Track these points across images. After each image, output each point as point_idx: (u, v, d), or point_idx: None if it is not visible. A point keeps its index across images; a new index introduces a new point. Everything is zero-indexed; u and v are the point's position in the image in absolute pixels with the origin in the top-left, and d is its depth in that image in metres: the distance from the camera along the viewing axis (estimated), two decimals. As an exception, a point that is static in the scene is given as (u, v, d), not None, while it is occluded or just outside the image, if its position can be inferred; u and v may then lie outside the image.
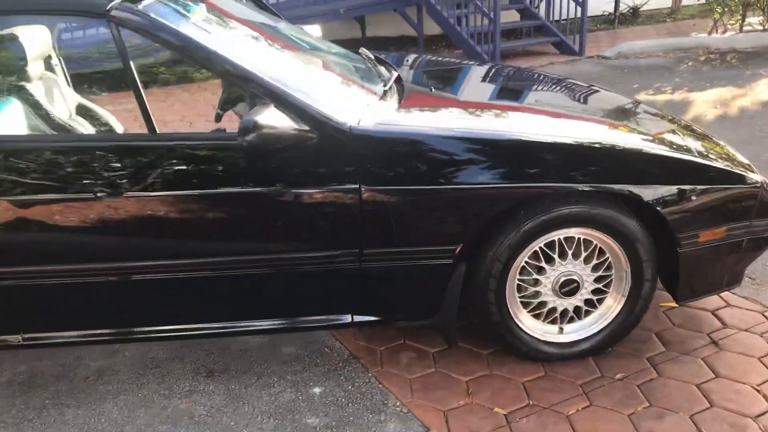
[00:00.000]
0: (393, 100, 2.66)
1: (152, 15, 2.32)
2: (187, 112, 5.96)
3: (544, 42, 8.65)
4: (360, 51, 3.34)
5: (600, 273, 2.56)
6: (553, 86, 3.42)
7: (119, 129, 3.36)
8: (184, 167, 2.22)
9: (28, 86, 2.77)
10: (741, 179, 2.56)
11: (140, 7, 2.33)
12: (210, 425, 2.37)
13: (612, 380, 2.53)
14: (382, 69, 3.07)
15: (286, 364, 2.68)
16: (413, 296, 2.51)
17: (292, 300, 2.47)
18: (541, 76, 3.59)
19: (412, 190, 2.32)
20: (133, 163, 2.21)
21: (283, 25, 3.31)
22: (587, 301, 2.61)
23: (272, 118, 2.18)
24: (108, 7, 2.28)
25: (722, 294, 3.01)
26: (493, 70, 3.62)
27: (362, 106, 2.49)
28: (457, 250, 2.41)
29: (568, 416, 2.36)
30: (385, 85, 2.76)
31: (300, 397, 2.49)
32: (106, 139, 2.67)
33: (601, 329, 2.63)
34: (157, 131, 2.29)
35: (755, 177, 2.61)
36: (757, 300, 3.02)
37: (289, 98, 2.28)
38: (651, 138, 2.70)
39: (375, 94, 2.65)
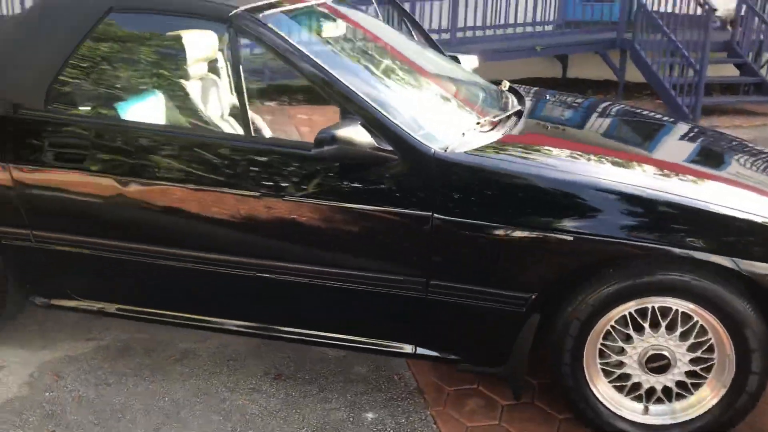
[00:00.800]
0: (499, 132, 2.54)
1: (270, 24, 2.43)
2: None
3: (761, 101, 7.84)
4: (501, 84, 3.24)
5: (698, 354, 2.25)
6: (685, 137, 3.09)
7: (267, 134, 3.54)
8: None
9: (185, 84, 3.00)
10: None
11: (260, 16, 2.45)
12: (257, 426, 2.40)
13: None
14: (511, 102, 2.96)
15: (352, 383, 2.64)
16: (480, 339, 2.37)
17: (356, 318, 2.45)
18: (678, 128, 3.24)
19: (488, 226, 2.20)
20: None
21: (424, 50, 3.31)
22: (680, 384, 2.30)
23: (352, 134, 2.18)
24: (231, 14, 2.42)
25: None
26: (645, 120, 3.33)
27: (457, 133, 2.40)
28: (532, 298, 2.24)
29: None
30: (495, 117, 2.65)
31: (351, 419, 2.45)
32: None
33: (693, 419, 2.30)
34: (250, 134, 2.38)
35: None
36: None
37: (376, 116, 2.27)
38: None
39: (480, 124, 2.54)
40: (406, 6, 7.77)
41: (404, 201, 2.24)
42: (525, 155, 2.37)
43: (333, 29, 2.95)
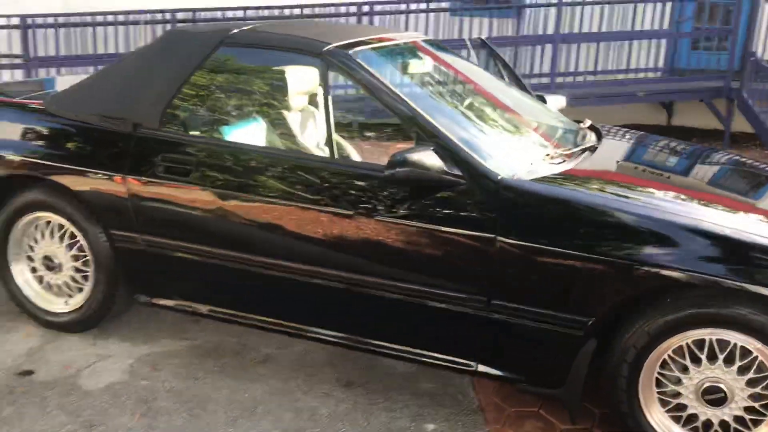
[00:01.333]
0: (569, 164, 2.67)
1: (358, 60, 2.68)
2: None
3: None
4: (582, 122, 3.36)
5: (758, 390, 2.26)
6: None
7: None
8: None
9: (285, 114, 3.29)
10: None
11: (350, 51, 2.71)
12: (324, 426, 2.59)
13: None
14: (588, 138, 3.08)
15: (417, 397, 2.79)
16: (538, 360, 2.48)
17: (424, 332, 2.61)
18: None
19: (549, 250, 2.32)
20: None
21: (507, 87, 3.48)
22: (738, 419, 2.31)
23: (423, 157, 2.37)
24: (323, 49, 2.69)
25: None
26: (713, 156, 3.36)
27: (526, 162, 2.55)
28: (589, 323, 2.33)
29: None
30: (567, 150, 2.78)
31: (411, 428, 2.60)
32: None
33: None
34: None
35: None
36: None
37: (447, 143, 2.45)
38: None
39: (550, 155, 2.68)
40: (510, 51, 7.99)
41: (470, 223, 2.40)
42: (584, 185, 2.48)
43: (419, 65, 3.18)
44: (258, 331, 3.08)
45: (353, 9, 7.85)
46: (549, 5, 7.97)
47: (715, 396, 2.29)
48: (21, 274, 3.18)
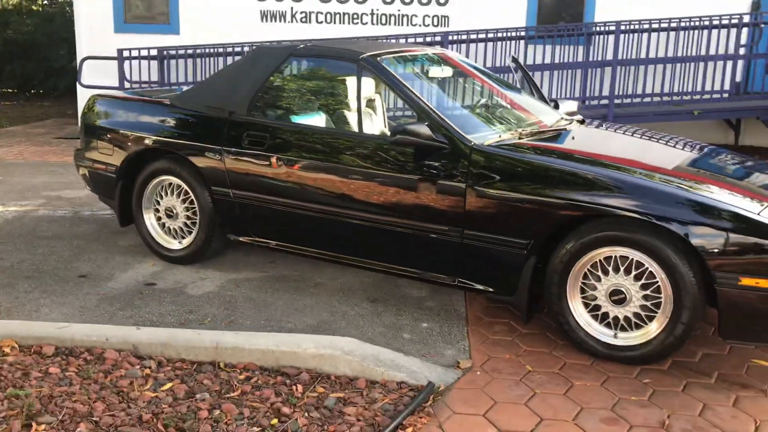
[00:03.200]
0: (533, 139, 3.64)
1: (383, 64, 3.78)
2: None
3: None
4: (575, 116, 4.31)
5: (648, 292, 3.12)
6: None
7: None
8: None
9: (345, 112, 4.41)
10: (797, 241, 2.87)
11: (379, 58, 3.82)
12: (350, 320, 3.63)
13: (633, 378, 3.06)
14: (567, 125, 4.03)
15: (421, 309, 3.79)
16: (497, 274, 3.43)
17: (419, 256, 3.62)
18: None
19: (503, 195, 3.30)
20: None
21: (518, 92, 4.49)
22: (637, 315, 3.17)
23: (416, 128, 3.42)
24: (360, 56, 3.82)
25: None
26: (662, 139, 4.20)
27: (495, 133, 3.56)
28: (530, 245, 3.28)
29: (573, 384, 3.01)
30: (537, 130, 3.75)
31: (410, 324, 3.60)
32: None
33: (647, 342, 3.14)
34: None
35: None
36: None
37: (436, 119, 3.50)
38: (714, 190, 3.14)
39: (521, 131, 3.67)
40: (578, 74, 8.87)
41: (450, 176, 3.41)
42: (530, 150, 3.44)
43: (436, 69, 4.26)
44: (313, 266, 4.21)
45: (433, 38, 8.98)
46: (608, 32, 8.78)
47: (619, 297, 3.17)
48: (149, 220, 4.45)
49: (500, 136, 3.58)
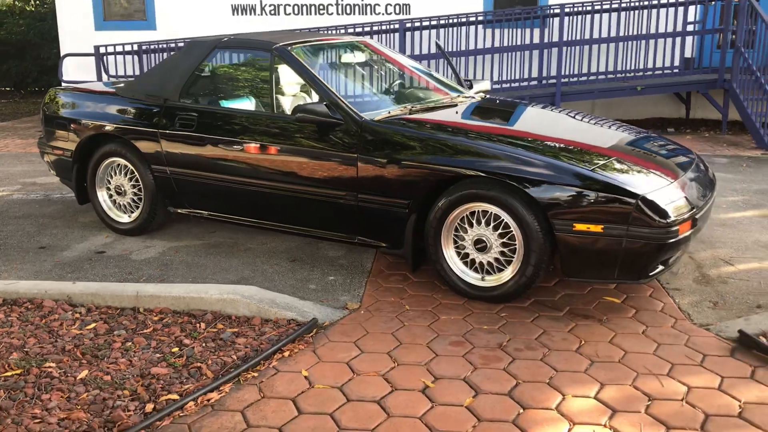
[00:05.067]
0: (421, 114, 4.18)
1: (293, 53, 4.33)
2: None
3: None
4: (482, 93, 4.84)
5: (505, 240, 3.66)
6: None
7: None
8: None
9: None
10: (619, 192, 3.38)
11: (290, 48, 4.36)
12: (268, 275, 4.19)
13: (492, 314, 3.61)
14: (457, 100, 4.56)
15: (333, 267, 4.34)
16: (387, 231, 3.98)
17: (324, 218, 4.17)
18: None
19: (386, 161, 3.85)
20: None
21: (425, 74, 5.03)
22: (497, 260, 3.72)
23: (314, 106, 3.97)
24: (273, 46, 4.36)
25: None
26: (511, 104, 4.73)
27: (386, 109, 4.11)
28: (410, 203, 3.82)
29: (438, 318, 3.57)
30: (427, 105, 4.29)
31: (318, 277, 4.16)
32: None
33: (504, 283, 3.69)
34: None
35: (638, 193, 3.35)
36: (682, 316, 3.62)
37: (333, 99, 4.04)
38: (557, 150, 3.68)
39: (410, 108, 4.21)
40: (536, 54, 9.36)
41: (345, 147, 3.96)
42: (411, 124, 3.98)
43: (351, 56, 4.80)
44: (247, 234, 4.78)
45: (396, 26, 9.49)
46: (554, 15, 9.26)
47: (482, 245, 3.72)
48: (102, 197, 5.03)
49: (389, 112, 4.12)
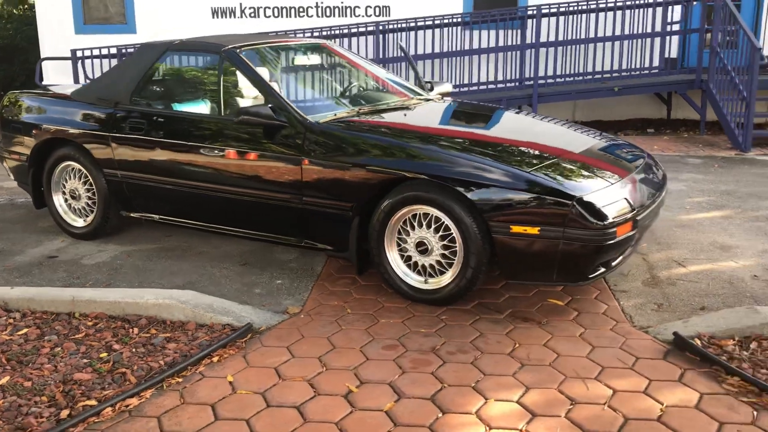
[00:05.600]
0: (371, 116, 4.16)
1: (241, 56, 4.30)
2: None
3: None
4: (442, 96, 4.82)
5: (446, 242, 3.63)
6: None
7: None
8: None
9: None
10: (556, 194, 3.35)
11: (238, 50, 4.34)
12: (215, 279, 4.17)
13: (430, 317, 3.58)
14: (415, 105, 4.54)
15: (283, 270, 4.32)
16: (331, 234, 3.95)
17: (271, 221, 4.15)
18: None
19: (330, 164, 3.82)
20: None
21: (384, 76, 5.01)
22: (439, 263, 3.68)
23: (258, 109, 3.94)
24: (222, 49, 4.34)
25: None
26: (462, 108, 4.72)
27: (332, 112, 4.08)
28: (353, 206, 3.79)
29: (378, 321, 3.54)
30: (376, 108, 4.27)
31: (266, 281, 4.13)
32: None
33: (445, 286, 3.66)
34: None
35: (574, 195, 3.32)
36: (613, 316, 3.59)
37: (280, 101, 4.01)
38: (497, 151, 3.66)
39: (359, 110, 4.18)
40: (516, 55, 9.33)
41: (290, 150, 3.93)
42: (355, 126, 3.95)
43: (305, 58, 4.78)
44: (202, 238, 4.76)
45: (372, 28, 9.47)
46: (531, 17, 9.22)
47: (423, 248, 3.69)
48: (58, 201, 5.01)
49: (336, 114, 4.10)
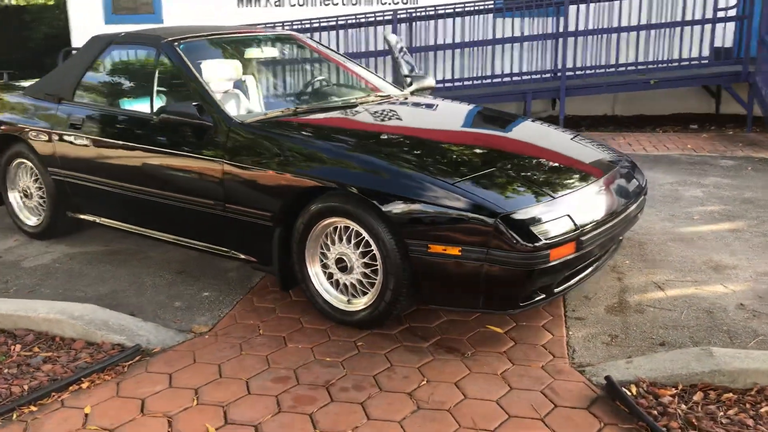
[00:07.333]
0: (307, 115, 3.79)
1: (177, 49, 3.99)
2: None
3: None
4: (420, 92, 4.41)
5: (366, 260, 3.23)
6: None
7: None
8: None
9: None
10: (477, 210, 2.91)
11: (176, 43, 4.04)
12: (144, 288, 3.91)
13: (349, 342, 3.20)
14: (375, 101, 4.15)
15: (218, 280, 4.01)
16: (254, 245, 3.60)
17: (194, 229, 3.83)
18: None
19: (250, 168, 3.48)
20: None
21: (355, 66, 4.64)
22: (360, 282, 3.29)
23: (182, 108, 3.62)
24: (160, 41, 4.05)
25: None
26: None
27: (261, 112, 3.73)
28: (272, 216, 3.44)
29: (285, 346, 3.19)
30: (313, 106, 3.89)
31: (192, 293, 3.84)
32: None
33: (365, 307, 3.26)
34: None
35: (497, 211, 2.88)
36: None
37: (206, 99, 3.69)
38: (424, 157, 3.27)
39: (297, 110, 3.83)
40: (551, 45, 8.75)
41: (213, 152, 3.61)
42: (282, 127, 3.58)
43: (258, 51, 4.44)
44: (152, 241, 4.50)
45: (389, 17, 9.05)
46: (558, 3, 8.58)
47: (343, 265, 3.30)
48: (14, 199, 4.85)
49: (266, 114, 3.74)
